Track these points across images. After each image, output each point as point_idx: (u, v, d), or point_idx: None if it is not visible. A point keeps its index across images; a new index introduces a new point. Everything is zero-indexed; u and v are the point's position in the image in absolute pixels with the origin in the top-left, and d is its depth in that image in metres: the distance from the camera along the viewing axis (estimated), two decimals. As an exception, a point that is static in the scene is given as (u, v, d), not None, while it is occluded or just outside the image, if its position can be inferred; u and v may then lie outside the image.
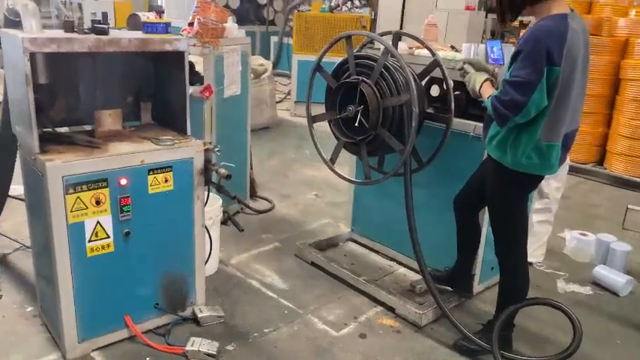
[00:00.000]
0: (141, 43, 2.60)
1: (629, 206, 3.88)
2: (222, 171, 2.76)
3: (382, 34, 3.19)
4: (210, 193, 2.99)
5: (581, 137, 6.31)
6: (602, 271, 3.66)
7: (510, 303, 2.72)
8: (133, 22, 3.14)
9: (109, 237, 2.57)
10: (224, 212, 4.19)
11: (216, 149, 2.80)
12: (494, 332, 2.69)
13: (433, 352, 2.87)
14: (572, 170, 6.10)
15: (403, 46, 3.54)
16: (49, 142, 2.55)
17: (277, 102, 8.08)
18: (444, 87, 3.02)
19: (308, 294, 3.34)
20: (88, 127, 2.88)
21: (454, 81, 2.98)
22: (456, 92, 3.06)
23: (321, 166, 3.26)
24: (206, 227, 3.18)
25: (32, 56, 2.40)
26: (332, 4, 10.31)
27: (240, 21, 12.46)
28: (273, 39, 11.72)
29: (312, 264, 3.67)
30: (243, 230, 4.05)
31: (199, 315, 2.94)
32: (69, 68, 2.81)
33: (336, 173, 3.23)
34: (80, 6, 7.02)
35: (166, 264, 2.82)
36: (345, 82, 3.01)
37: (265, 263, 3.69)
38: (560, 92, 2.32)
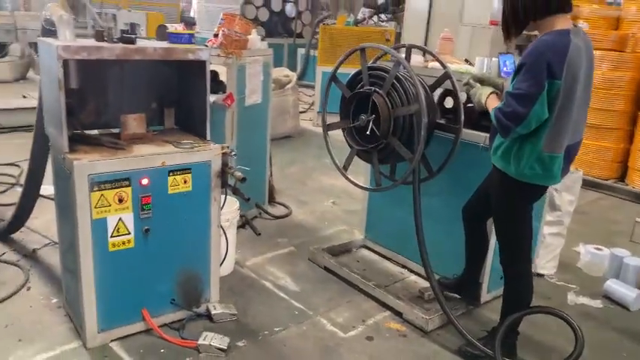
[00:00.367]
0: (165, 52, 2.77)
1: (637, 219, 3.88)
2: (238, 174, 2.89)
3: (396, 48, 3.30)
4: (228, 197, 3.14)
5: (603, 153, 6.29)
6: (613, 285, 3.66)
7: (514, 311, 2.77)
8: (161, 33, 3.34)
9: (129, 233, 2.73)
10: (242, 216, 4.35)
11: (233, 153, 2.94)
12: (497, 338, 2.74)
13: (437, 356, 2.93)
14: (593, 186, 6.10)
15: (419, 58, 3.65)
16: (77, 142, 2.74)
17: (301, 112, 8.25)
18: (457, 98, 3.11)
19: (319, 297, 3.44)
20: (115, 130, 3.05)
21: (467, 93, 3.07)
22: (469, 104, 3.14)
23: (339, 175, 3.36)
24: (222, 228, 3.34)
25: (65, 63, 2.59)
26: (358, 17, 10.49)
27: (269, 33, 12.80)
28: (300, 51, 11.95)
29: (325, 268, 3.77)
30: (259, 234, 4.19)
31: (213, 312, 3.07)
32: (99, 75, 3.00)
33: (348, 179, 3.34)
34: (114, 17, 7.32)
35: (183, 261, 2.96)
36: (358, 92, 3.12)
37: (279, 266, 3.81)
38: (561, 105, 2.40)
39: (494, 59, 3.38)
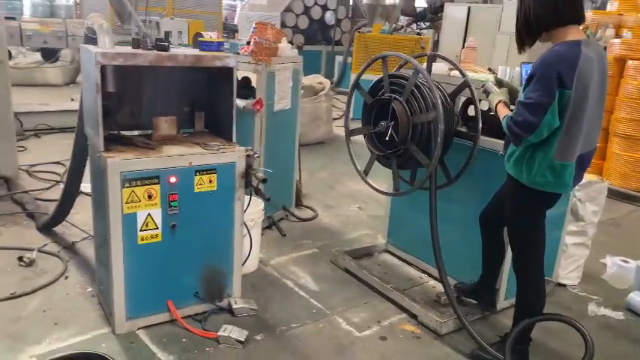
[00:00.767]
0: (194, 59, 2.95)
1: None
2: (260, 175, 3.04)
3: (417, 56, 3.39)
4: (253, 197, 3.29)
5: (639, 165, 6.15)
6: (636, 298, 3.62)
7: (525, 317, 2.80)
8: (196, 40, 3.53)
9: (157, 228, 2.91)
10: (269, 218, 4.52)
11: (256, 155, 3.09)
12: (508, 343, 2.78)
13: (449, 359, 2.99)
14: (626, 198, 5.99)
15: (444, 67, 3.71)
16: (113, 142, 2.94)
17: (335, 119, 8.38)
18: (475, 106, 3.17)
19: (337, 297, 3.55)
20: (148, 132, 3.25)
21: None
22: (492, 112, 3.19)
23: (373, 182, 3.45)
24: (247, 227, 3.49)
25: (103, 68, 2.80)
26: (397, 24, 10.57)
27: (308, 40, 13.03)
28: (338, 58, 12.11)
29: (345, 270, 3.87)
30: (285, 235, 4.37)
31: (234, 306, 3.21)
32: (135, 80, 3.20)
33: (368, 184, 3.45)
34: (158, 24, 7.65)
35: (207, 257, 3.12)
36: (378, 99, 3.23)
37: (302, 266, 3.93)
38: (572, 114, 2.44)
39: (517, 68, 3.42)
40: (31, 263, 3.61)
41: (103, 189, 2.81)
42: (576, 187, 3.66)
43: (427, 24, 10.76)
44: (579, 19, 2.50)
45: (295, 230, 4.55)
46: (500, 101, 2.70)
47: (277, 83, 4.24)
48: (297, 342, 3.04)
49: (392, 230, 4.18)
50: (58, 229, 4.16)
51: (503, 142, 3.20)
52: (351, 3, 13.12)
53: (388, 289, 3.52)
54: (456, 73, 3.53)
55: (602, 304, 3.65)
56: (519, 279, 2.84)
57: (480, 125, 3.11)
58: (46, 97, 7.85)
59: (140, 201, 2.82)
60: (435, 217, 3.13)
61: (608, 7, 11.50)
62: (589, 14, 9.28)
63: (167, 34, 3.19)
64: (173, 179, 2.87)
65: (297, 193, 4.98)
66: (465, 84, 3.14)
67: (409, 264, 4.03)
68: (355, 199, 5.37)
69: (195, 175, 2.95)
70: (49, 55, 9.52)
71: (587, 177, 3.79)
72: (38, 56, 10.01)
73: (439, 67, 3.68)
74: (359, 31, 8.84)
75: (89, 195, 3.98)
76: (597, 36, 8.42)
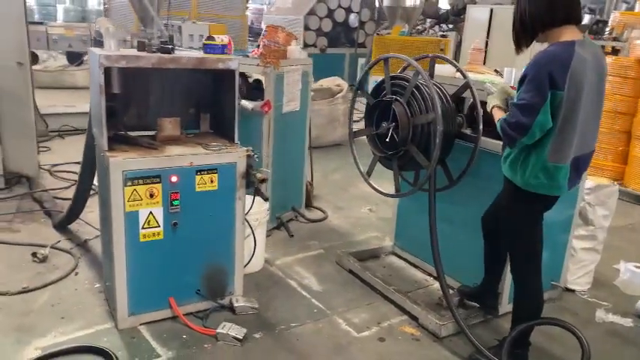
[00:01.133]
0: (197, 62, 3.02)
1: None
2: (259, 175, 3.08)
3: (419, 58, 3.39)
4: (258, 197, 3.33)
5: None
6: (647, 305, 3.53)
7: (523, 321, 2.77)
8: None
9: (159, 226, 2.98)
10: (278, 218, 4.56)
11: (255, 156, 3.13)
12: (504, 347, 2.75)
13: (447, 361, 2.98)
14: (647, 204, 5.82)
15: (450, 69, 3.69)
16: (117, 142, 3.03)
17: (355, 121, 8.37)
18: (476, 108, 3.15)
19: (340, 298, 3.56)
20: (153, 133, 3.33)
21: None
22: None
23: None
24: (251, 227, 3.54)
25: (108, 70, 2.89)
26: (420, 27, 10.53)
27: (332, 43, 13.09)
28: (361, 61, 12.12)
29: (350, 271, 3.88)
30: (292, 236, 4.41)
31: (235, 304, 3.26)
32: (142, 82, 3.29)
33: (370, 185, 3.46)
34: (180, 28, 7.80)
35: (208, 255, 3.18)
36: (380, 100, 3.24)
37: (306, 267, 3.96)
38: (565, 116, 2.41)
39: (523, 70, 3.38)
40: (44, 259, 3.74)
41: (106, 187, 2.90)
42: (585, 191, 3.62)
43: (450, 26, 10.67)
44: (575, 19, 2.47)
45: (303, 231, 4.58)
46: (495, 105, 2.69)
47: (286, 85, 4.28)
48: (296, 341, 3.07)
49: (399, 232, 4.18)
50: (73, 226, 4.29)
51: (506, 144, 3.18)
52: (377, 5, 13.13)
53: (390, 291, 3.52)
54: (472, 75, 3.51)
55: (611, 311, 3.57)
56: (516, 282, 2.81)
57: (481, 127, 3.08)
58: (72, 99, 8.08)
59: (142, 199, 2.90)
60: (434, 218, 3.12)
61: (637, 8, 11.23)
62: (616, 15, 9.10)
63: (171, 37, 3.27)
64: (174, 178, 2.94)
65: (307, 195, 5.01)
66: (466, 85, 3.12)
67: (415, 266, 4.02)
68: (367, 201, 5.37)
69: (197, 174, 3.01)
70: (74, 58, 9.79)
71: (597, 180, 3.73)
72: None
73: (447, 69, 3.67)
74: (378, 34, 8.84)
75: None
76: (623, 37, 8.24)
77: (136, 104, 3.30)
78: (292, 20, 12.66)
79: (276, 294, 3.56)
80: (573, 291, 3.80)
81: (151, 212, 2.94)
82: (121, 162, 2.81)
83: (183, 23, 7.88)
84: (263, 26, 16.61)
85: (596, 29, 11.06)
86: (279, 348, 2.99)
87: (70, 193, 4.90)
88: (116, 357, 2.74)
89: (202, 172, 3.02)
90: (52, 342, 2.90)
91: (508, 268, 3.21)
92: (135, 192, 2.87)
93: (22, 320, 3.08)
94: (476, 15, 9.68)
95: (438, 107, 2.90)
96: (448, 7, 10.81)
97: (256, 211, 3.57)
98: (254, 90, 4.33)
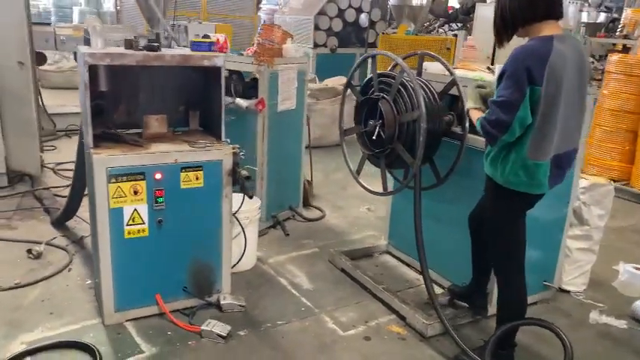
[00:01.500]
0: (182, 59, 3.03)
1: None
2: (244, 172, 3.09)
3: (407, 56, 3.36)
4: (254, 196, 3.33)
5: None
6: (642, 306, 3.45)
7: (507, 320, 2.73)
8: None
9: (144, 223, 2.99)
10: (274, 217, 4.56)
11: (241, 153, 3.13)
12: (488, 348, 2.71)
13: (431, 361, 2.94)
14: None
15: (441, 66, 3.65)
16: (104, 140, 3.06)
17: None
18: (460, 105, 3.11)
19: (329, 296, 3.54)
20: (139, 130, 3.34)
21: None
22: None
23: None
24: (241, 225, 3.55)
25: (94, 68, 2.92)
26: (429, 26, 10.45)
27: (342, 43, 13.07)
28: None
29: (342, 270, 3.87)
30: (288, 234, 4.40)
31: (222, 302, 3.27)
32: (131, 80, 3.32)
33: (359, 183, 3.44)
34: (186, 29, 7.84)
35: (195, 252, 3.19)
36: (367, 98, 3.22)
37: (299, 265, 3.95)
38: (544, 112, 2.36)
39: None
40: (38, 256, 3.79)
41: (92, 184, 2.92)
42: (580, 190, 3.55)
43: (459, 25, 10.58)
44: (556, 14, 2.42)
45: (299, 230, 4.58)
46: (470, 108, 2.67)
47: (281, 84, 4.27)
48: (280, 339, 3.06)
49: (392, 231, 4.15)
50: (70, 224, 4.34)
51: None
52: (389, 5, 13.07)
53: (379, 290, 3.49)
54: (462, 72, 3.48)
55: (606, 312, 3.49)
56: (498, 280, 2.77)
57: (468, 124, 3.04)
58: (82, 99, 8.22)
59: (126, 196, 2.91)
60: (419, 216, 3.10)
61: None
62: (628, 13, 8.93)
63: (158, 35, 3.29)
64: (159, 175, 2.95)
65: (305, 194, 5.00)
66: (453, 82, 3.08)
67: (408, 265, 3.98)
68: (366, 200, 5.34)
69: (182, 171, 3.02)
70: (82, 58, 9.96)
71: (593, 179, 3.66)
72: (78, 60, 10.44)
73: (438, 67, 3.62)
74: (383, 33, 8.80)
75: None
76: (634, 35, 8.09)
77: (125, 102, 3.33)
78: (302, 20, 12.66)
79: (266, 292, 3.56)
80: (568, 292, 3.73)
81: (135, 209, 2.95)
82: (105, 159, 2.84)
83: (190, 23, 7.92)
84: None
85: (612, 27, 10.89)
86: (263, 345, 2.99)
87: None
88: (99, 352, 2.76)
89: (187, 170, 3.03)
90: (38, 337, 2.93)
91: (497, 267, 3.20)
92: (119, 189, 2.89)
93: (12, 315, 3.12)
94: (485, 13, 9.55)
95: (422, 105, 2.87)
96: (457, 6, 10.72)
97: (246, 209, 3.57)
98: (250, 88, 4.34)
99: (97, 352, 2.75)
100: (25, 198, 4.87)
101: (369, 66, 3.30)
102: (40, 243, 3.90)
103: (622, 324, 3.39)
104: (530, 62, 2.31)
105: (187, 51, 3.23)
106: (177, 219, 3.07)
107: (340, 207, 5.19)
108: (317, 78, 8.41)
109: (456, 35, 9.87)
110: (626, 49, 8.02)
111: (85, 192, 4.08)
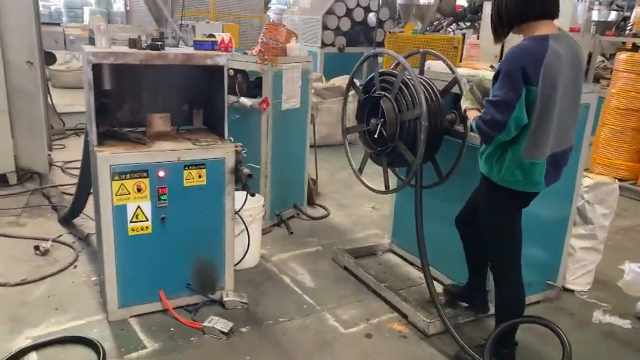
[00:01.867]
0: (185, 58, 3.06)
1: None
2: (245, 170, 3.11)
3: (409, 55, 3.37)
4: (257, 194, 3.36)
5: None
6: (647, 306, 3.43)
7: (506, 318, 2.73)
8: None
9: (147, 220, 3.03)
10: (278, 215, 4.59)
11: (244, 151, 3.15)
12: (487, 346, 2.71)
13: (432, 359, 2.94)
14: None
15: (442, 65, 3.65)
16: (108, 138, 3.10)
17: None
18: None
19: (332, 294, 3.56)
20: (143, 128, 3.37)
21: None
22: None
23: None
24: (245, 223, 3.57)
25: (98, 66, 2.96)
26: (438, 24, 10.41)
27: (350, 42, 13.07)
28: (381, 59, 12.04)
29: (345, 268, 3.88)
30: (292, 233, 4.42)
31: (225, 299, 3.29)
32: (135, 79, 3.35)
33: (361, 181, 3.46)
34: (194, 28, 7.90)
35: (198, 249, 3.22)
36: (369, 96, 3.23)
37: (302, 263, 3.97)
38: (540, 111, 2.37)
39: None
40: (45, 252, 3.84)
41: (96, 181, 2.96)
42: (584, 189, 3.54)
43: (467, 24, 10.54)
44: (551, 14, 2.43)
45: (304, 228, 4.59)
46: (466, 108, 2.68)
47: (285, 82, 4.29)
48: (281, 336, 3.08)
49: (396, 230, 4.15)
50: (78, 221, 4.39)
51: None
52: (397, 4, 13.04)
53: (381, 288, 3.50)
54: (465, 70, 3.47)
55: (610, 312, 3.47)
56: (496, 279, 2.78)
57: (469, 123, 3.03)
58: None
59: (130, 193, 2.95)
60: (420, 214, 3.10)
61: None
62: (638, 11, 8.84)
63: (162, 34, 3.32)
64: (162, 173, 2.98)
65: (310, 192, 5.02)
66: (455, 80, 3.08)
67: (411, 264, 3.99)
68: (371, 198, 5.35)
69: (185, 169, 3.05)
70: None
71: (597, 178, 3.64)
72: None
73: (441, 66, 3.62)
74: (390, 32, 8.79)
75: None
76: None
77: (129, 101, 3.36)
78: (311, 20, 12.68)
79: (269, 289, 3.58)
80: (572, 291, 3.71)
81: (139, 206, 2.99)
82: (108, 156, 2.87)
83: (197, 23, 7.97)
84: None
85: (622, 26, 10.78)
86: (264, 342, 3.01)
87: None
88: (103, 347, 2.79)
89: (190, 167, 3.06)
90: (43, 332, 2.98)
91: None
92: (122, 186, 2.92)
93: (18, 311, 3.17)
94: (493, 12, 9.54)
95: (423, 103, 2.87)
96: (465, 5, 10.69)
97: (250, 207, 3.60)
98: (254, 87, 4.36)
99: (100, 348, 2.78)
100: (33, 196, 4.94)
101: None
102: (47, 240, 3.95)
103: (626, 324, 3.37)
104: (525, 62, 2.31)
105: (191, 50, 3.26)
106: (180, 216, 3.10)
107: (345, 206, 5.21)
108: (324, 77, 8.42)
109: (464, 34, 9.84)
110: (635, 48, 7.95)
111: (91, 190, 4.16)
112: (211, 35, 4.41)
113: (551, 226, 3.41)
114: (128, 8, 11.47)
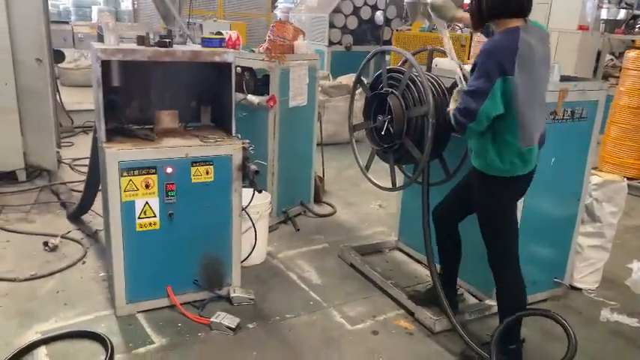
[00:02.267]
0: (193, 55, 3.08)
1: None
2: (253, 167, 3.12)
3: (417, 52, 3.36)
4: (264, 191, 3.37)
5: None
6: (655, 305, 3.41)
7: (509, 311, 2.75)
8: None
9: (155, 216, 3.05)
10: (284, 212, 4.60)
11: (251, 148, 3.16)
12: (492, 343, 2.71)
13: (438, 356, 2.95)
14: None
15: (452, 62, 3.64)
16: (117, 134, 3.12)
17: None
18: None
19: (338, 291, 3.56)
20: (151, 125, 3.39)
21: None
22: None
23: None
24: (252, 220, 3.58)
25: (107, 63, 2.98)
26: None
27: (358, 41, 13.06)
28: (387, 58, 12.02)
29: (351, 265, 3.88)
30: (298, 230, 4.43)
31: (232, 295, 3.31)
32: (144, 76, 3.37)
33: (368, 179, 3.46)
34: (201, 26, 7.92)
35: (205, 245, 3.23)
36: (376, 93, 3.23)
37: (308, 260, 3.98)
38: (523, 99, 2.46)
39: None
40: (54, 248, 3.87)
41: (104, 178, 2.98)
42: (592, 187, 3.52)
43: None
44: (525, 12, 2.54)
45: (310, 226, 4.60)
46: (450, 109, 2.72)
47: (292, 80, 4.30)
48: (288, 332, 3.09)
49: (403, 227, 4.16)
50: (86, 217, 4.42)
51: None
52: (404, 2, 13.02)
53: (388, 285, 3.50)
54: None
55: (618, 310, 3.46)
56: (495, 273, 2.80)
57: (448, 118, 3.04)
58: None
59: (138, 190, 2.97)
60: (427, 212, 3.10)
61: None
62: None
63: (169, 31, 3.34)
64: (169, 169, 3.00)
65: (317, 190, 5.02)
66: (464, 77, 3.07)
67: (418, 261, 3.99)
68: (378, 196, 5.34)
69: (192, 166, 3.06)
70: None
71: (605, 176, 3.62)
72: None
73: (449, 63, 3.61)
74: (397, 30, 8.78)
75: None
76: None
77: (138, 98, 3.38)
78: (318, 18, 12.69)
79: (275, 286, 3.59)
80: (580, 289, 3.70)
81: (147, 202, 3.01)
82: (117, 153, 2.89)
83: (205, 21, 8.00)
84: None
85: (632, 24, 10.70)
86: (271, 338, 3.02)
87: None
88: (111, 342, 2.81)
89: (198, 164, 3.07)
90: (52, 326, 3.00)
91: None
92: (131, 182, 2.94)
93: (27, 305, 3.20)
94: (501, 10, 9.50)
95: (430, 100, 2.87)
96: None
97: (257, 204, 3.61)
98: (262, 85, 4.37)
99: (108, 342, 2.80)
100: (42, 192, 4.98)
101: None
102: (56, 236, 3.98)
103: (634, 322, 3.36)
104: (500, 55, 2.42)
105: (199, 47, 3.27)
106: (188, 213, 3.12)
107: (351, 203, 5.21)
108: (330, 75, 8.42)
109: (471, 32, 9.79)
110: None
111: (100, 187, 4.19)
112: (219, 33, 4.43)
113: (558, 224, 3.40)
114: (136, 7, 11.51)
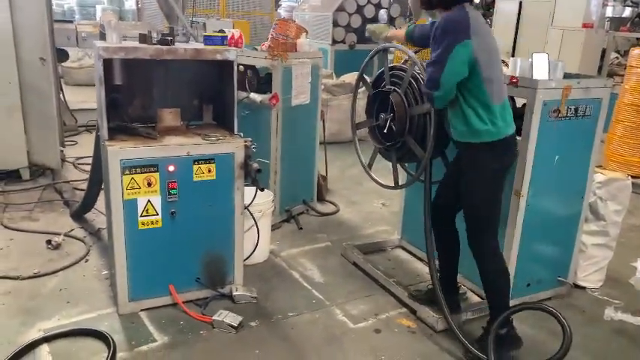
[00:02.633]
0: (195, 53, 3.07)
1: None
2: (255, 165, 3.11)
3: (418, 50, 3.35)
4: (265, 189, 3.37)
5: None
6: (660, 304, 3.39)
7: (496, 295, 2.80)
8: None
9: (157, 214, 3.05)
10: (287, 211, 4.59)
11: (253, 146, 3.16)
12: (490, 339, 2.71)
13: (440, 355, 2.93)
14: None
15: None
16: (119, 132, 3.12)
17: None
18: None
19: (340, 289, 3.56)
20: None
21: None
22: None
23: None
24: (254, 218, 3.58)
25: (108, 61, 2.98)
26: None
27: (361, 39, 13.04)
28: (391, 57, 11.99)
29: (354, 264, 3.88)
30: (301, 228, 4.43)
31: (234, 293, 3.31)
32: (146, 74, 3.37)
33: (371, 177, 3.45)
34: (204, 25, 7.94)
35: (207, 243, 3.23)
36: (378, 91, 3.22)
37: (311, 259, 3.97)
38: (484, 60, 2.58)
39: (529, 59, 3.30)
40: (57, 247, 3.88)
41: (106, 176, 2.98)
42: (596, 185, 3.51)
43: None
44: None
45: (313, 224, 4.60)
46: None
47: (294, 78, 4.30)
48: (290, 330, 3.09)
49: (405, 226, 4.15)
50: (89, 216, 4.43)
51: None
52: (408, 0, 12.99)
53: (390, 283, 3.49)
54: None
55: (622, 309, 3.44)
56: (476, 253, 2.83)
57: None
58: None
59: (140, 188, 2.97)
60: (429, 209, 3.08)
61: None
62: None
63: (172, 29, 3.33)
64: (171, 168, 3.00)
65: (319, 188, 5.02)
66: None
67: (420, 260, 3.97)
68: (380, 195, 5.33)
69: (194, 164, 3.06)
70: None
71: (609, 174, 3.60)
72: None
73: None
74: (401, 28, 8.75)
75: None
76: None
77: (140, 96, 3.39)
78: (321, 17, 12.68)
79: (278, 284, 3.59)
80: (584, 288, 3.68)
81: (149, 200, 3.01)
82: (119, 151, 2.89)
83: (208, 20, 8.01)
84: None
85: (637, 22, 10.64)
86: (273, 336, 3.02)
87: (90, 185, 5.11)
88: (113, 340, 2.81)
89: (200, 162, 3.07)
90: (55, 324, 3.01)
91: (512, 262, 3.17)
92: (133, 180, 2.94)
93: (30, 303, 3.21)
94: (505, 8, 9.50)
95: (432, 97, 2.86)
96: (477, 1, 10.63)
97: (259, 202, 3.61)
98: (264, 83, 4.37)
99: (111, 340, 2.80)
100: (46, 191, 4.99)
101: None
102: (59, 234, 3.99)
103: (638, 321, 3.33)
104: (454, 25, 2.57)
105: (201, 45, 3.27)
106: (190, 211, 3.11)
107: (355, 202, 5.20)
108: (334, 74, 8.41)
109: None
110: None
111: (103, 185, 4.20)
112: (221, 31, 4.42)
113: (562, 222, 3.38)
114: (139, 6, 11.53)
